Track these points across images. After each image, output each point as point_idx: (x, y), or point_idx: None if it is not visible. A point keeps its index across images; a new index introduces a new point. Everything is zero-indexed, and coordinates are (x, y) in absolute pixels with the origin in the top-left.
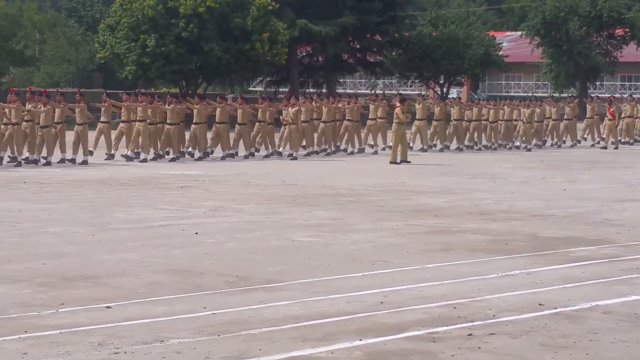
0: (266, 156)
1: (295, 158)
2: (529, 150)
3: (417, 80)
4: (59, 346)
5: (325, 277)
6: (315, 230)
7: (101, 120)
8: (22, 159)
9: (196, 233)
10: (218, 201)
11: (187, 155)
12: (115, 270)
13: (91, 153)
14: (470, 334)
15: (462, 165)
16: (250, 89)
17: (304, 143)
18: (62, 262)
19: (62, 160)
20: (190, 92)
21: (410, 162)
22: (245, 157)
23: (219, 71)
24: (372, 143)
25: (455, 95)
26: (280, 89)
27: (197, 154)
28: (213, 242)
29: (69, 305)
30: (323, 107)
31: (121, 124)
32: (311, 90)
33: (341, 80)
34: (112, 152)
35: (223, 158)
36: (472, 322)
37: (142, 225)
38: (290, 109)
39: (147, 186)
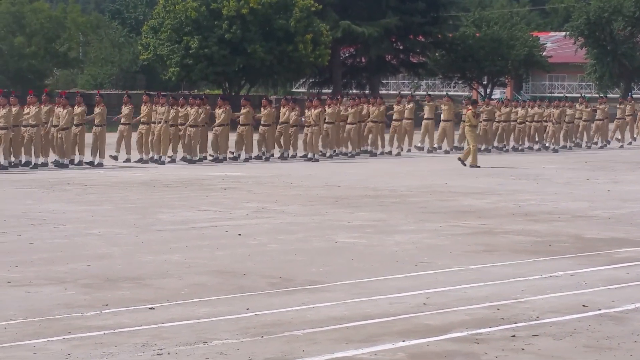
0: (284, 158)
1: (317, 160)
2: (556, 151)
3: (460, 81)
4: (103, 347)
5: (368, 278)
6: (359, 232)
7: (122, 122)
8: (42, 162)
9: (239, 234)
10: (261, 202)
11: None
12: (158, 271)
13: (115, 158)
14: (513, 336)
15: (506, 166)
16: (293, 90)
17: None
18: (105, 264)
19: (80, 163)
20: (233, 93)
21: (479, 166)
22: (266, 158)
23: (262, 72)
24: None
25: (498, 96)
26: (323, 90)
27: (216, 156)
28: (256, 243)
29: (113, 306)
30: (349, 109)
31: (141, 126)
32: (354, 91)
33: (384, 81)
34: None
35: (259, 158)
36: (515, 323)
37: (185, 226)
38: (312, 110)
39: (190, 187)
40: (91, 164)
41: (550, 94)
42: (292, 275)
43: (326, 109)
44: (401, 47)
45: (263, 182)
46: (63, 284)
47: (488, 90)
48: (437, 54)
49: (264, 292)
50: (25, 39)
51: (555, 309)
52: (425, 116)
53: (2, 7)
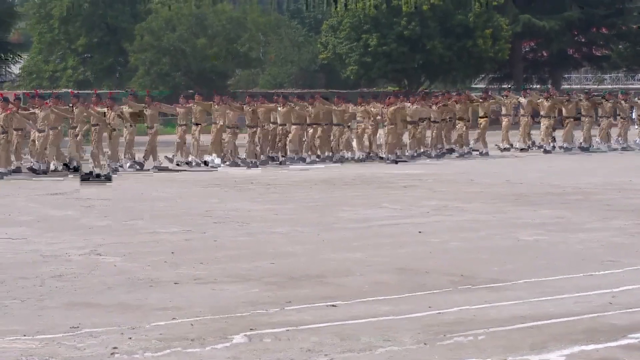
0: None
1: (396, 162)
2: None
3: None
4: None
5: (552, 276)
6: (541, 229)
7: (179, 123)
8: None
9: (419, 232)
10: (442, 200)
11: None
12: (340, 269)
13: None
14: None
15: None
16: (473, 85)
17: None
18: (288, 262)
19: (132, 165)
20: (412, 90)
21: None
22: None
23: (441, 69)
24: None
25: None
26: (504, 86)
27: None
28: (437, 241)
29: (296, 303)
30: (433, 106)
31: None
32: (536, 86)
33: (566, 75)
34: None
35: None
36: None
37: (366, 224)
38: (387, 108)
39: (371, 185)
40: (141, 165)
41: None
42: (474, 273)
43: (405, 106)
44: (583, 40)
45: (444, 180)
46: (248, 282)
47: None
48: (620, 47)
49: (445, 290)
50: (208, 40)
51: None
52: (503, 113)
53: (186, 10)
